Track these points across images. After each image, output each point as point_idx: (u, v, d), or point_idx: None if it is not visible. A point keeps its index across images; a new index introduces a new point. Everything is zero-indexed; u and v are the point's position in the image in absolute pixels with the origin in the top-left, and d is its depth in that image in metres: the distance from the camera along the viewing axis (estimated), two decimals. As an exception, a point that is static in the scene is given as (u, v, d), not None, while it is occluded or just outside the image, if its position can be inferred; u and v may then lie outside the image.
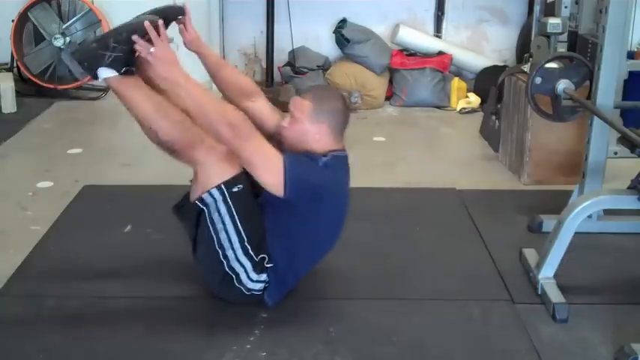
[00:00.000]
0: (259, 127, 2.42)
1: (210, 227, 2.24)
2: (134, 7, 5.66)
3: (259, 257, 2.26)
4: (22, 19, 4.98)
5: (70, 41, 4.98)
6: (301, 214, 2.25)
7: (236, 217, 2.23)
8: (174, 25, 2.36)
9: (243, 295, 2.29)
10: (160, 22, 2.18)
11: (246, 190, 2.25)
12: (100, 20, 4.98)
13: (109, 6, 5.17)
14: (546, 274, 2.51)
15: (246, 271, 2.26)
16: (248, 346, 2.17)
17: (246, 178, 2.25)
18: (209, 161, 2.22)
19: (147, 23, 2.15)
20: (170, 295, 2.44)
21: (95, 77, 2.23)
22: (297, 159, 2.22)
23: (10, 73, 4.89)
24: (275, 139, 2.40)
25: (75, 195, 3.31)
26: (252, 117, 2.43)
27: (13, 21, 4.92)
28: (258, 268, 2.26)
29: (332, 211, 2.32)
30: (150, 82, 2.31)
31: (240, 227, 2.23)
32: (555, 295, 2.43)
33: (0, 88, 4.61)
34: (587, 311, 2.42)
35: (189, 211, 2.28)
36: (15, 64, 5.06)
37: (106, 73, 2.20)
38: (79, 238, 2.87)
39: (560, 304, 2.38)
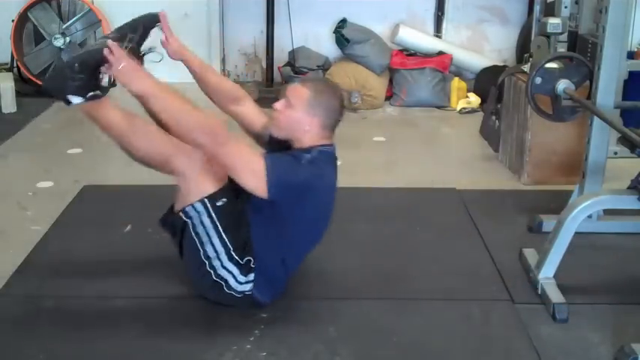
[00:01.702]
0: (247, 129, 2.48)
1: (196, 239, 2.25)
2: (134, 7, 5.69)
3: (245, 260, 2.26)
4: (22, 19, 4.99)
5: (70, 41, 4.99)
6: (286, 213, 2.23)
7: (220, 229, 2.23)
8: (156, 32, 2.36)
9: (235, 298, 2.29)
10: (109, 42, 2.17)
11: (230, 202, 2.25)
12: (100, 20, 4.99)
13: (109, 6, 5.18)
14: (546, 274, 2.51)
15: (233, 276, 2.26)
16: (248, 346, 2.17)
17: (229, 187, 2.25)
18: (189, 172, 2.21)
19: (106, 49, 2.15)
20: (170, 295, 2.43)
21: (67, 103, 2.26)
22: (279, 159, 2.21)
23: (10, 73, 4.90)
24: (263, 138, 2.43)
25: (75, 195, 3.31)
26: (240, 120, 2.49)
27: (13, 21, 4.92)
28: (245, 270, 2.27)
29: (318, 208, 2.31)
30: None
31: (225, 238, 2.24)
32: (555, 295, 2.43)
33: (0, 88, 4.61)
34: (587, 311, 2.42)
35: (174, 222, 2.29)
36: (15, 64, 5.06)
37: (74, 99, 2.24)
38: (79, 238, 2.87)
39: (560, 304, 2.38)
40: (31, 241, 2.80)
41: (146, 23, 2.36)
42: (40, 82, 4.97)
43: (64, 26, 4.99)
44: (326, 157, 2.30)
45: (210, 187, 2.22)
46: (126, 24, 2.34)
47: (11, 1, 5.07)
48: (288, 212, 2.23)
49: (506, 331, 2.31)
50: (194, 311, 2.30)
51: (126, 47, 2.24)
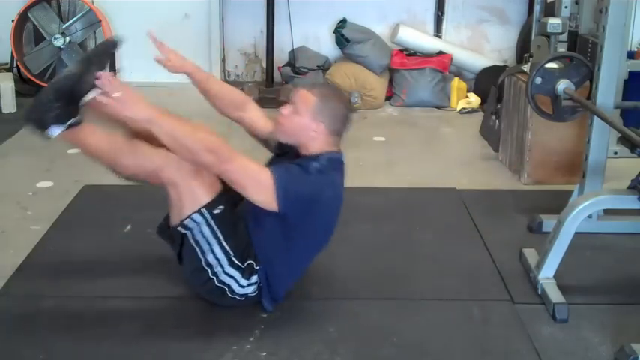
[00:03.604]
0: (254, 134, 2.47)
1: (197, 248, 2.23)
2: (134, 6, 5.69)
3: (246, 264, 2.26)
4: (22, 19, 4.99)
5: (70, 41, 4.99)
6: (294, 224, 2.22)
7: (221, 237, 2.22)
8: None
9: (238, 301, 2.30)
10: (105, 73, 2.12)
11: (227, 209, 2.24)
12: (100, 20, 4.99)
13: (109, 6, 5.18)
14: (546, 274, 2.51)
15: (235, 280, 2.26)
16: (248, 346, 2.17)
17: (224, 193, 2.24)
18: (180, 183, 2.17)
19: (99, 79, 2.11)
20: (170, 295, 2.43)
21: (47, 137, 2.19)
22: (287, 171, 2.18)
23: (10, 73, 4.90)
24: (270, 144, 2.42)
25: (75, 195, 3.31)
26: (246, 126, 2.48)
27: (13, 21, 4.92)
28: (247, 273, 2.26)
29: (326, 217, 2.31)
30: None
31: (225, 246, 2.23)
32: (555, 295, 2.43)
33: (0, 88, 4.61)
34: (587, 311, 2.42)
35: (172, 233, 2.27)
36: (15, 64, 5.06)
37: (55, 130, 2.17)
38: (79, 237, 2.87)
39: (560, 304, 2.38)
40: (31, 241, 2.80)
41: (107, 50, 2.38)
42: (39, 82, 4.98)
43: (64, 26, 4.99)
44: (334, 164, 2.29)
45: (204, 196, 2.20)
46: (89, 53, 2.35)
47: (11, 1, 5.06)
48: (296, 223, 2.22)
49: (506, 331, 2.31)
50: (194, 311, 2.30)
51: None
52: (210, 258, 2.23)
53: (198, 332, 2.23)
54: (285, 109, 2.29)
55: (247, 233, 2.26)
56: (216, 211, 2.20)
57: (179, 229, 2.23)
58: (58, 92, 2.16)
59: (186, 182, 2.17)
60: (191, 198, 2.19)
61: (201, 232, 2.21)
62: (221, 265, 2.24)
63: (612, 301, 2.51)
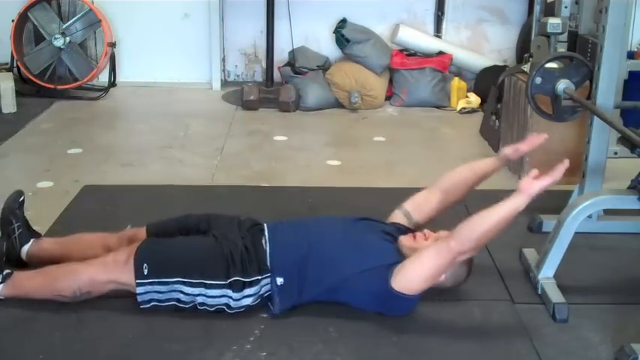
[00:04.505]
0: (416, 204, 2.68)
1: (173, 302, 2.28)
2: (134, 6, 5.68)
3: (230, 281, 2.26)
4: (22, 19, 4.99)
5: (70, 41, 4.99)
6: (376, 285, 2.28)
7: (174, 280, 2.26)
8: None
9: (244, 310, 2.31)
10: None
11: (154, 255, 2.31)
12: (100, 20, 4.99)
13: (109, 6, 5.18)
14: (546, 274, 2.51)
15: (228, 296, 2.27)
16: (248, 346, 2.17)
17: (143, 244, 2.35)
18: (115, 276, 2.30)
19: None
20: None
21: None
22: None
23: (10, 73, 4.90)
24: (406, 215, 2.62)
25: (75, 195, 3.31)
26: (434, 198, 2.69)
27: (13, 21, 4.92)
28: (236, 287, 2.27)
29: (376, 307, 2.35)
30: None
31: (186, 279, 2.26)
32: (555, 295, 2.43)
33: (0, 88, 4.61)
34: (587, 311, 2.42)
35: (154, 308, 2.32)
36: (15, 64, 5.06)
37: None
38: (79, 238, 2.86)
39: (560, 304, 2.38)
40: (31, 241, 2.80)
41: (15, 203, 2.56)
42: (39, 82, 4.98)
43: (64, 26, 4.99)
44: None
45: (129, 270, 2.27)
46: (1, 217, 2.54)
47: (11, 1, 5.06)
48: (372, 285, 2.29)
49: (506, 331, 2.31)
50: (194, 311, 2.30)
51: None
52: (187, 298, 2.28)
53: (198, 332, 2.23)
54: (432, 237, 2.41)
55: (225, 252, 2.29)
56: (145, 272, 2.26)
57: (146, 307, 2.29)
58: None
59: (117, 272, 2.30)
60: (127, 278, 2.28)
61: (158, 292, 2.28)
62: (201, 294, 2.27)
63: (612, 301, 2.51)
